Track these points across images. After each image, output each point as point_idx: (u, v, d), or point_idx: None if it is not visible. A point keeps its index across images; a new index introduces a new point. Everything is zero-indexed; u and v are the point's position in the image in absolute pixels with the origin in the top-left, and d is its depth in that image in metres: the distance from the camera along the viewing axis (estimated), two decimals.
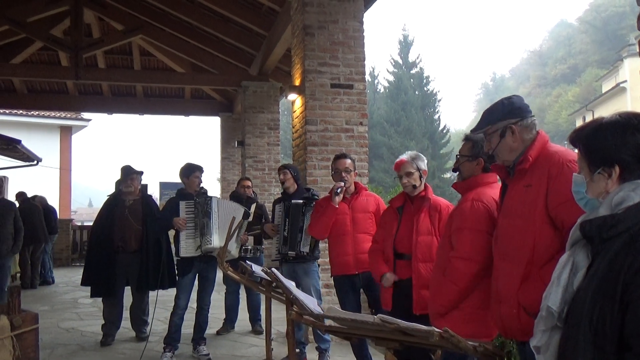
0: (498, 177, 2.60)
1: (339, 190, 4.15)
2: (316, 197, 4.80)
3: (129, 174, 5.38)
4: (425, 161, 3.65)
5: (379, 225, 3.90)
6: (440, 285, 2.73)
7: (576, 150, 1.60)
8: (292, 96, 6.51)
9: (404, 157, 3.60)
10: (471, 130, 2.61)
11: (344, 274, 4.20)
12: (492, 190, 2.76)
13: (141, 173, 5.47)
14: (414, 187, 3.48)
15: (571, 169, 2.06)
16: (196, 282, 5.20)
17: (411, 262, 3.36)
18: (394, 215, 3.60)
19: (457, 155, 3.00)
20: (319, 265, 4.92)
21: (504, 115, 2.34)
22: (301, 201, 4.70)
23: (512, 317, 2.21)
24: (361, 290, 4.25)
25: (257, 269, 4.00)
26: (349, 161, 4.28)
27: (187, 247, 4.96)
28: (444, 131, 36.08)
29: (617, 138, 1.46)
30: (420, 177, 3.52)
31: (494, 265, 2.41)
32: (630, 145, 1.43)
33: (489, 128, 2.38)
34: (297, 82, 6.41)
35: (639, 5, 2.15)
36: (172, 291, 5.29)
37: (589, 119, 30.36)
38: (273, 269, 3.43)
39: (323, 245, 4.97)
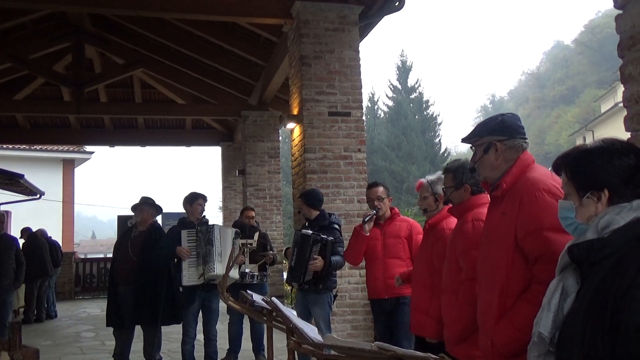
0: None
1: (367, 219, 4.20)
2: (335, 224, 4.71)
3: (139, 205, 5.34)
4: None
5: None
6: (454, 309, 2.67)
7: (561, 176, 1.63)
8: (291, 125, 6.58)
9: (423, 180, 3.61)
10: (462, 139, 2.54)
11: (375, 298, 4.31)
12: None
13: (152, 205, 5.34)
14: (425, 211, 3.51)
15: (539, 199, 2.04)
16: (200, 313, 5.19)
17: None
18: None
19: (442, 188, 3.04)
20: (334, 295, 4.81)
21: (491, 131, 2.30)
22: (310, 232, 4.52)
23: (486, 347, 2.16)
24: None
25: (257, 298, 3.98)
26: (381, 189, 4.30)
27: (189, 276, 4.97)
28: (445, 154, 36.16)
29: (604, 162, 1.49)
30: (436, 201, 3.51)
31: (476, 291, 2.37)
32: (617, 169, 1.47)
33: (476, 140, 2.36)
34: (295, 111, 6.48)
35: (615, 7, 2.13)
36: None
37: (589, 139, 30.42)
38: (273, 298, 3.42)
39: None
